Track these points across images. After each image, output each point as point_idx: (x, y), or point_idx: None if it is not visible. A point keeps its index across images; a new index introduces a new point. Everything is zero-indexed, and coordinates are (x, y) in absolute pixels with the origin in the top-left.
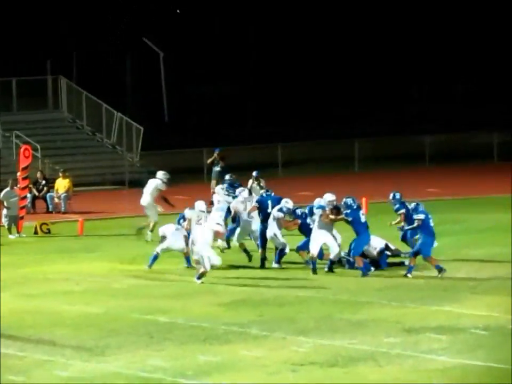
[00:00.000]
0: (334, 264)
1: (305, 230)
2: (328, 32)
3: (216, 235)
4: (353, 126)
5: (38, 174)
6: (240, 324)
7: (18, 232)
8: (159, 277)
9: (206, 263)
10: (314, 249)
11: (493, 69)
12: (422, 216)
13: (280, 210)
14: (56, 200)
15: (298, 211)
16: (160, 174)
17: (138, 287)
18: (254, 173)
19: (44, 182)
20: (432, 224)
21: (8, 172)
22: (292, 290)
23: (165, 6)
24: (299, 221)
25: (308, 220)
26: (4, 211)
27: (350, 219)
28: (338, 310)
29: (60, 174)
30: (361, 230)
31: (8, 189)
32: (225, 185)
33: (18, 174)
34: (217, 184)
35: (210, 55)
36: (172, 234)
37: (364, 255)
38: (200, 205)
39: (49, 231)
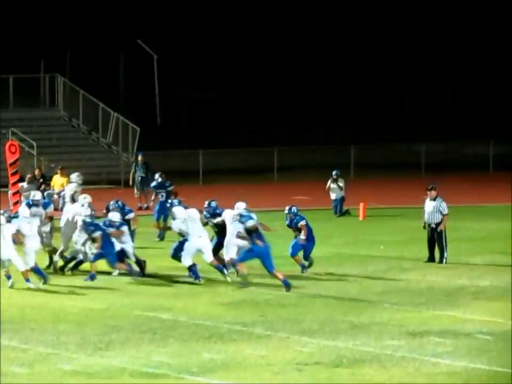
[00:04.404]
0: None
1: None
2: (321, 39)
3: None
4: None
5: (36, 172)
6: (243, 323)
7: None
8: (159, 275)
9: None
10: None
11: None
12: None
13: None
14: (55, 196)
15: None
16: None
17: (138, 284)
18: (334, 173)
19: (41, 179)
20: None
21: (5, 168)
22: (293, 291)
23: (160, 9)
24: None
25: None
26: None
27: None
28: (341, 312)
29: (58, 171)
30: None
31: (24, 184)
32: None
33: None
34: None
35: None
36: None
37: None
38: None
39: None
